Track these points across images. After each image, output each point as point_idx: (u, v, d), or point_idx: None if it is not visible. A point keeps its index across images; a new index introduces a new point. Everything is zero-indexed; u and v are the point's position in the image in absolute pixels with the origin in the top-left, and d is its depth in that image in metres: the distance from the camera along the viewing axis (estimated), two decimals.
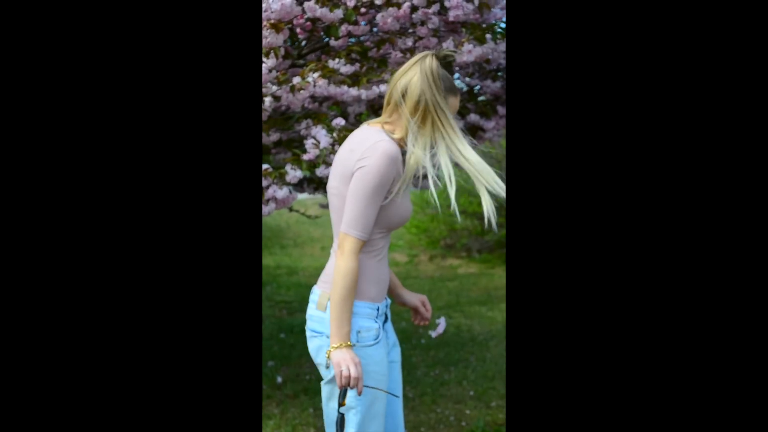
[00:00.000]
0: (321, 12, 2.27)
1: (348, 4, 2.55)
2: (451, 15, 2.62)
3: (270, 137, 2.67)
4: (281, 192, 2.49)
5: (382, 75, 2.59)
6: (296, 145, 2.85)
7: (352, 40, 2.83)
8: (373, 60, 2.74)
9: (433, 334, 2.02)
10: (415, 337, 4.59)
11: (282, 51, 2.43)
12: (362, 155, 1.63)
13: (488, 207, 1.66)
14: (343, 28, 2.59)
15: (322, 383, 1.73)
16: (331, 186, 1.73)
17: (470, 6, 2.58)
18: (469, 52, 2.62)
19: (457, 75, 3.21)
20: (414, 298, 1.97)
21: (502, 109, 3.17)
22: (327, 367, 1.67)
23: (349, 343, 1.63)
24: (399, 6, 2.59)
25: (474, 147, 1.68)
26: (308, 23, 2.60)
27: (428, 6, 2.60)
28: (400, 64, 2.63)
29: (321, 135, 2.49)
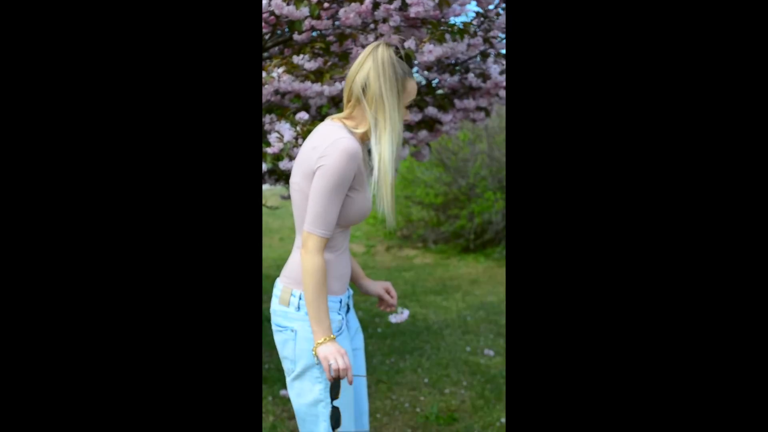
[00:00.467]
0: (288, 9, 2.31)
1: None
2: (412, 11, 2.68)
3: None
4: None
5: (344, 72, 2.64)
6: None
7: (314, 33, 2.88)
8: (335, 54, 2.79)
9: (394, 319, 2.07)
10: (372, 326, 4.66)
11: None
12: (323, 153, 1.65)
13: (388, 206, 1.70)
14: (306, 23, 2.63)
15: (289, 379, 1.76)
16: (293, 182, 1.75)
17: (430, 3, 2.65)
18: (429, 52, 2.69)
19: (415, 69, 3.27)
20: (377, 287, 2.01)
21: (459, 103, 3.24)
22: (316, 363, 1.69)
23: (332, 336, 1.66)
24: (361, 2, 2.64)
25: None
26: (272, 17, 2.64)
27: (390, 2, 2.66)
28: None
29: (284, 129, 2.54)
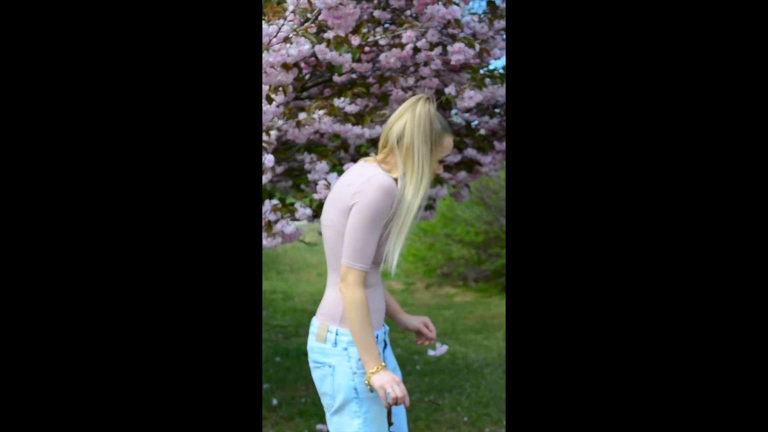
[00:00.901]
0: (331, 56, 2.40)
1: (353, 42, 2.67)
2: (453, 59, 2.74)
3: (276, 169, 2.78)
4: (290, 228, 2.60)
5: (384, 115, 2.71)
6: (296, 173, 2.96)
7: (354, 75, 2.96)
8: (375, 96, 2.85)
9: (432, 353, 2.08)
10: (410, 363, 4.67)
11: (291, 89, 2.55)
12: (358, 189, 1.69)
13: (394, 252, 1.73)
14: (347, 66, 2.71)
15: (328, 414, 1.79)
16: (325, 218, 1.78)
17: (471, 51, 2.71)
18: (470, 98, 2.74)
19: (455, 110, 3.32)
20: (416, 321, 2.03)
21: (499, 144, 3.27)
22: (371, 391, 1.71)
23: (383, 364, 1.69)
24: (402, 47, 2.71)
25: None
26: (312, 59, 2.72)
27: (431, 49, 2.72)
28: (401, 102, 2.75)
29: (332, 177, 2.60)
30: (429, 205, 3.55)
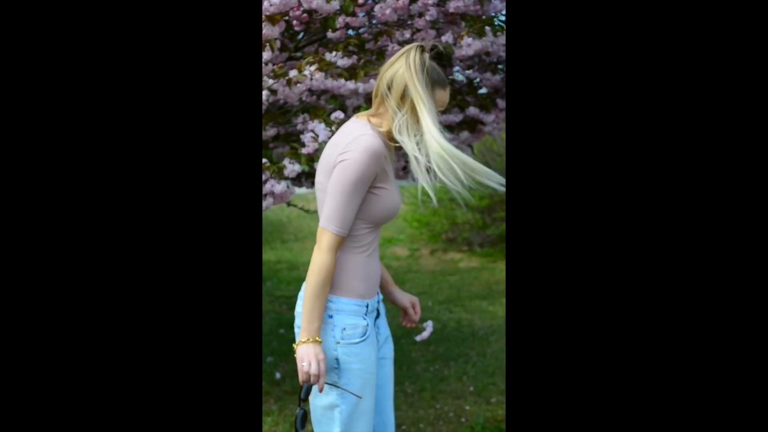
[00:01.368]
0: (317, 3, 2.23)
1: None
2: (451, 7, 2.58)
3: (267, 132, 2.64)
4: (279, 186, 2.46)
5: (379, 68, 2.55)
6: (294, 139, 2.82)
7: (351, 32, 2.80)
8: (371, 52, 2.70)
9: (418, 338, 2.03)
10: (415, 332, 4.57)
11: (278, 44, 2.40)
12: (344, 149, 1.61)
13: (455, 190, 1.62)
14: (341, 20, 2.55)
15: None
16: (317, 181, 1.72)
17: None
18: (468, 46, 2.59)
19: (456, 68, 3.18)
20: (404, 299, 1.95)
21: (501, 102, 3.13)
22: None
23: (317, 338, 1.62)
24: None
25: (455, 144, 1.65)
26: (305, 15, 2.57)
27: None
28: None
29: (319, 128, 2.46)
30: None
